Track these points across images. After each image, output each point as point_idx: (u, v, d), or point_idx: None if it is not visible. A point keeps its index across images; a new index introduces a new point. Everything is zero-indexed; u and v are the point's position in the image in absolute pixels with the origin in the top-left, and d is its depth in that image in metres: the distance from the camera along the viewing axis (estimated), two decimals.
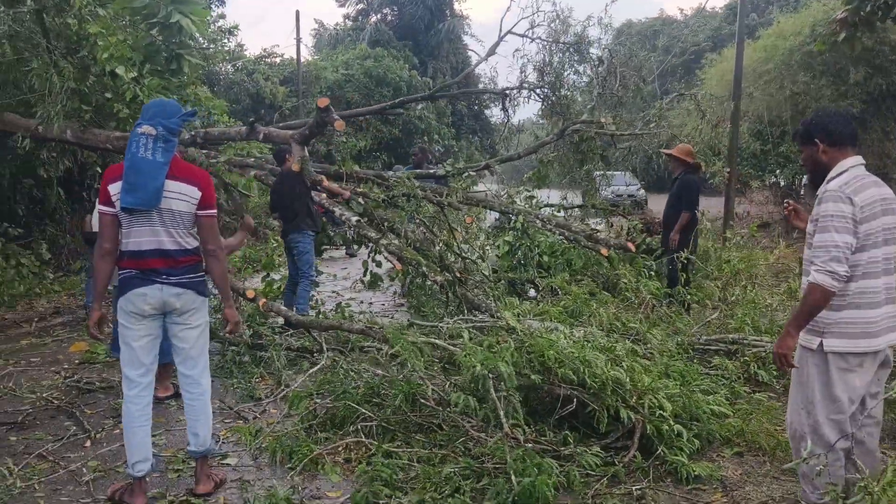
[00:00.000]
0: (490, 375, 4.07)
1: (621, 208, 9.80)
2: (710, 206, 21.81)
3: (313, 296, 7.71)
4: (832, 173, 3.04)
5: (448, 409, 4.27)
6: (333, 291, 9.83)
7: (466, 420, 4.20)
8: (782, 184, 21.17)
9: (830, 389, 3.00)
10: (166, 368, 5.38)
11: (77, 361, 6.25)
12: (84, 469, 4.08)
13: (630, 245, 7.71)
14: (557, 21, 10.56)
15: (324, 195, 7.64)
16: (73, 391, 5.43)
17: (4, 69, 6.98)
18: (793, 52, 17.56)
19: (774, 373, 5.16)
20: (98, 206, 3.69)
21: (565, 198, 9.82)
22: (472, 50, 36.10)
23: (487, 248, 8.40)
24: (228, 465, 4.17)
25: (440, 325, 5.22)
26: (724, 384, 5.04)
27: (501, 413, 3.97)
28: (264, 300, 5.95)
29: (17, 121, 7.61)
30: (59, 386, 5.55)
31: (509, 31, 10.18)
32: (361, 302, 9.10)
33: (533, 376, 4.24)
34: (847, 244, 2.88)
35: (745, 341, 5.65)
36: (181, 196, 3.59)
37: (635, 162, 11.07)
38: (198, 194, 3.62)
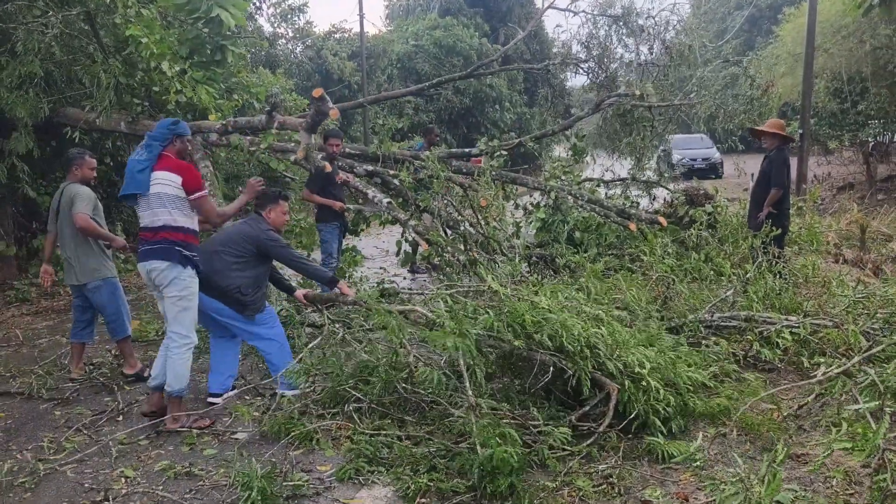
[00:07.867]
0: (459, 349, 4.22)
1: (666, 178, 9.61)
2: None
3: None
4: None
5: (426, 387, 4.45)
6: (381, 268, 10.18)
7: (446, 396, 4.41)
8: (871, 143, 19.92)
9: None
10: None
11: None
12: (111, 442, 4.54)
13: (661, 220, 7.66)
14: None
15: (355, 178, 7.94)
16: (119, 369, 5.95)
17: (61, 67, 7.53)
18: (873, 4, 16.52)
19: (778, 351, 5.14)
20: None
21: (608, 170, 9.76)
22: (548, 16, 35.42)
23: (521, 224, 8.50)
24: (238, 439, 4.55)
25: (425, 292, 5.43)
26: (714, 362, 5.05)
27: (467, 383, 4.11)
28: None
29: (76, 114, 8.22)
30: (107, 364, 6.09)
31: (550, 6, 10.10)
32: (404, 279, 9.41)
33: (516, 342, 4.36)
34: None
35: (758, 319, 5.59)
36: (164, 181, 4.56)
37: (714, 124, 10.81)
38: (178, 179, 4.55)
